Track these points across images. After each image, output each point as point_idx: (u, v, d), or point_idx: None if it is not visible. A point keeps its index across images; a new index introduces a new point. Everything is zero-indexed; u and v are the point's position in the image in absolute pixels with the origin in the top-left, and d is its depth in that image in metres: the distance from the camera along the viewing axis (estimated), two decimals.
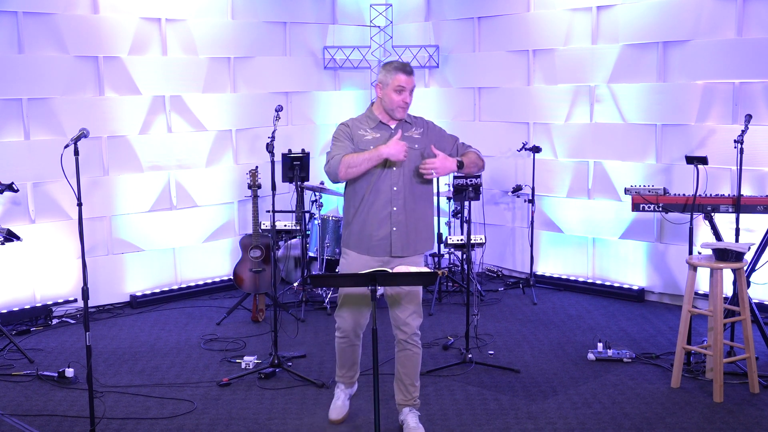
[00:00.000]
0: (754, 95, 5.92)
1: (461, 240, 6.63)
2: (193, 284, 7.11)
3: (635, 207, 5.62)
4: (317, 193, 6.88)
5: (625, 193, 5.76)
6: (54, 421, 4.40)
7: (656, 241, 6.61)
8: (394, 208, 4.04)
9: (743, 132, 5.12)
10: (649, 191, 5.57)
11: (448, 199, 7.15)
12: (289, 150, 6.44)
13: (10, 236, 5.41)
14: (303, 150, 6.41)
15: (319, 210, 6.79)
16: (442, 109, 7.94)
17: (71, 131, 6.08)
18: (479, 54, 7.57)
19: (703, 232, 5.97)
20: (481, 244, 6.59)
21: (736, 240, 5.20)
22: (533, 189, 6.94)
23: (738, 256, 4.57)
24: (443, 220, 7.45)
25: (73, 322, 6.28)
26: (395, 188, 4.04)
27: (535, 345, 5.61)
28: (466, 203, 5.63)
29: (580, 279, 7.07)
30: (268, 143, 5.02)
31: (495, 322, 6.17)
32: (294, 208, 6.64)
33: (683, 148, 6.25)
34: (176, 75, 6.86)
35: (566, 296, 6.90)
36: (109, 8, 6.45)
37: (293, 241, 7.18)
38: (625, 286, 6.79)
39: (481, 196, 6.35)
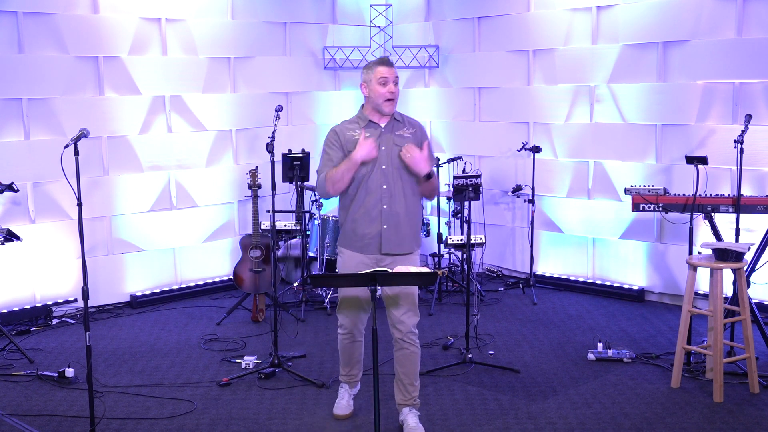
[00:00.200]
0: (754, 95, 5.92)
1: (461, 240, 6.63)
2: (193, 284, 7.11)
3: (635, 207, 5.62)
4: (317, 193, 6.87)
5: (625, 193, 5.76)
6: (54, 421, 4.40)
7: (656, 241, 6.61)
8: (384, 206, 4.09)
9: (743, 132, 5.12)
10: (649, 191, 5.57)
11: (448, 199, 7.15)
12: (289, 150, 6.44)
13: (10, 236, 5.41)
14: (303, 150, 6.42)
15: (319, 210, 6.79)
16: (442, 109, 7.95)
17: (71, 131, 6.08)
18: (479, 54, 7.57)
19: (703, 232, 5.97)
20: (481, 244, 6.59)
21: (736, 240, 5.21)
22: (533, 189, 6.94)
23: (738, 256, 4.57)
24: (443, 220, 7.45)
25: (73, 322, 6.28)
26: (385, 186, 4.09)
27: (535, 345, 5.61)
28: (466, 203, 5.63)
29: (580, 279, 7.07)
30: (268, 143, 5.03)
31: (495, 322, 6.17)
32: (294, 208, 6.65)
33: (683, 148, 6.25)
34: (176, 75, 6.86)
35: (566, 296, 6.90)
36: (109, 8, 6.45)
37: (293, 241, 7.18)
38: (625, 286, 6.79)
39: (481, 196, 6.35)
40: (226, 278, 7.23)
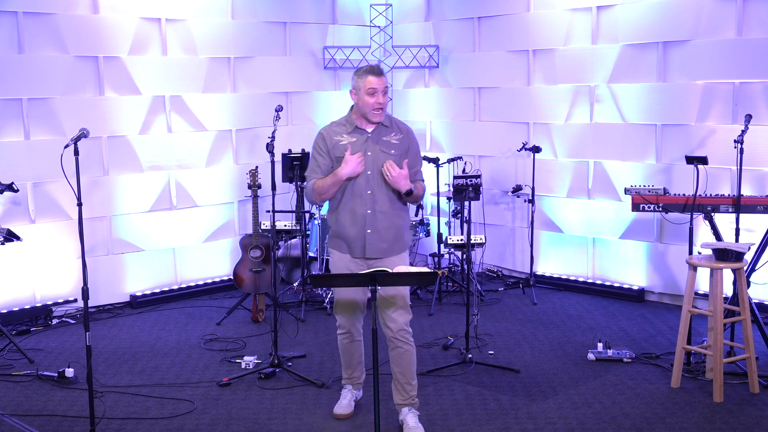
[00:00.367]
0: (754, 95, 5.92)
1: (461, 240, 6.63)
2: (193, 284, 7.11)
3: (635, 207, 5.62)
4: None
5: (625, 193, 5.76)
6: (54, 421, 4.40)
7: (656, 241, 6.60)
8: (369, 211, 4.15)
9: (743, 132, 5.12)
10: (649, 191, 5.57)
11: (448, 199, 7.15)
12: (289, 150, 6.45)
13: (10, 236, 5.41)
14: (303, 150, 6.42)
15: (319, 210, 6.79)
16: (442, 109, 7.95)
17: (71, 131, 6.08)
18: (479, 54, 7.57)
19: (703, 232, 5.97)
20: (481, 244, 6.59)
21: (736, 240, 5.20)
22: (533, 189, 6.94)
23: (738, 256, 4.57)
24: (443, 220, 7.45)
25: (73, 322, 6.28)
26: (369, 192, 4.15)
27: (535, 345, 5.61)
28: (466, 203, 5.63)
29: (580, 279, 7.07)
30: (268, 143, 5.03)
31: (495, 322, 6.17)
32: (294, 208, 6.65)
33: (683, 148, 6.25)
34: (176, 75, 6.86)
35: (566, 296, 6.90)
36: (109, 8, 6.45)
37: (293, 241, 7.18)
38: (625, 286, 6.79)
39: (481, 196, 6.35)
40: (226, 278, 7.23)
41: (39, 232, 6.25)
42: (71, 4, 6.28)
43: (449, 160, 7.24)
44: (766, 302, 5.90)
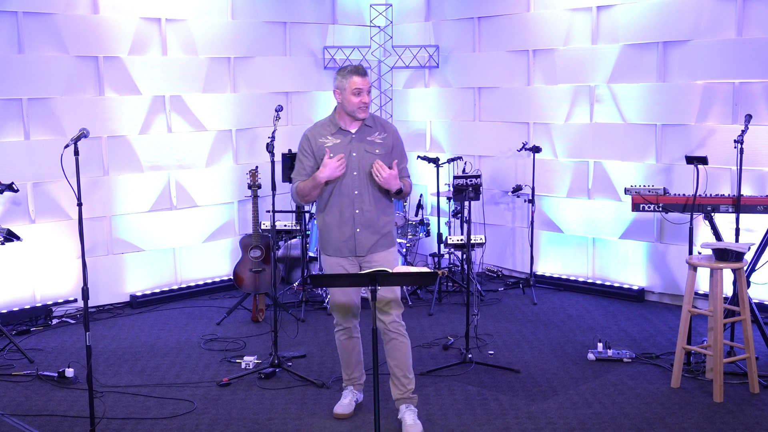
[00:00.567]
0: (754, 95, 5.92)
1: (461, 240, 6.63)
2: (193, 284, 7.11)
3: (635, 207, 5.62)
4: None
5: (625, 193, 5.76)
6: (54, 421, 4.40)
7: (656, 241, 6.60)
8: (357, 211, 4.21)
9: (743, 132, 5.12)
10: (649, 191, 5.57)
11: (448, 199, 7.15)
12: (289, 150, 6.45)
13: (10, 236, 5.41)
14: None
15: None
16: (442, 109, 7.95)
17: (71, 131, 6.08)
18: (479, 54, 7.57)
19: (703, 232, 5.97)
20: (481, 244, 6.59)
21: (736, 240, 5.20)
22: (533, 189, 6.94)
23: (738, 256, 4.57)
24: (443, 220, 7.45)
25: (73, 322, 6.28)
26: (356, 192, 4.21)
27: (535, 345, 5.61)
28: (466, 203, 5.63)
29: (580, 279, 7.07)
30: (268, 143, 5.03)
31: (495, 322, 6.17)
32: (294, 208, 6.65)
33: (683, 148, 6.25)
34: (176, 75, 6.86)
35: (566, 296, 6.90)
36: (109, 8, 6.45)
37: (293, 241, 7.18)
38: (625, 286, 6.79)
39: (481, 196, 6.35)
40: (226, 278, 7.23)
41: (39, 232, 6.25)
42: (71, 4, 6.28)
43: (449, 160, 7.24)
44: (766, 302, 5.90)
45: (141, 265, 6.83)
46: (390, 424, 4.29)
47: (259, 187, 6.25)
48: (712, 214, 5.34)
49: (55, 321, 6.27)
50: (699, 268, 4.83)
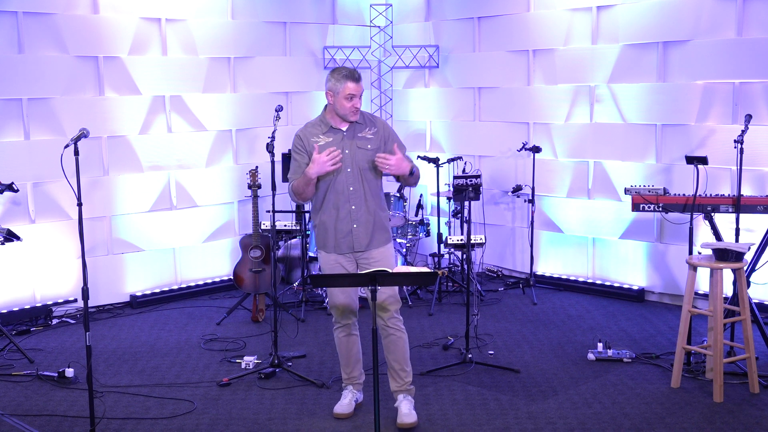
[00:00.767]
0: (754, 95, 5.92)
1: (461, 240, 6.63)
2: (193, 284, 7.11)
3: (635, 207, 5.62)
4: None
5: (625, 193, 5.76)
6: (54, 421, 4.40)
7: (656, 241, 6.60)
8: (353, 207, 4.25)
9: (743, 132, 5.12)
10: (649, 191, 5.57)
11: (448, 199, 7.15)
12: (289, 150, 6.41)
13: (10, 236, 5.41)
14: None
15: None
16: (442, 109, 7.94)
17: (71, 131, 6.08)
18: (479, 54, 7.57)
19: (703, 232, 5.97)
20: (481, 244, 6.59)
21: (736, 240, 5.20)
22: (533, 189, 6.94)
23: (738, 256, 4.57)
24: (443, 220, 7.45)
25: (73, 322, 6.28)
26: (351, 188, 4.25)
27: (535, 345, 5.61)
28: (466, 203, 5.63)
29: (580, 279, 7.07)
30: (268, 143, 5.03)
31: (495, 322, 6.17)
32: (294, 208, 6.65)
33: (683, 148, 6.25)
34: (176, 75, 6.86)
35: (566, 296, 6.90)
36: (109, 8, 6.45)
37: (293, 241, 7.18)
38: (625, 286, 6.79)
39: (481, 196, 6.35)
40: (226, 278, 7.23)
41: (39, 232, 6.25)
42: (71, 4, 6.28)
43: (449, 160, 7.24)
44: (766, 302, 5.90)
45: (141, 265, 6.83)
46: (390, 424, 4.29)
47: (259, 187, 6.25)
48: (712, 214, 5.34)
49: (55, 321, 6.27)
50: (699, 268, 4.83)
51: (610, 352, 5.24)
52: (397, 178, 4.37)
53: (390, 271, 3.77)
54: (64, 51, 6.28)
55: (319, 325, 6.15)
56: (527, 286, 7.04)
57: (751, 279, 5.16)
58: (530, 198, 6.95)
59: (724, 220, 5.59)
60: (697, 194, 5.22)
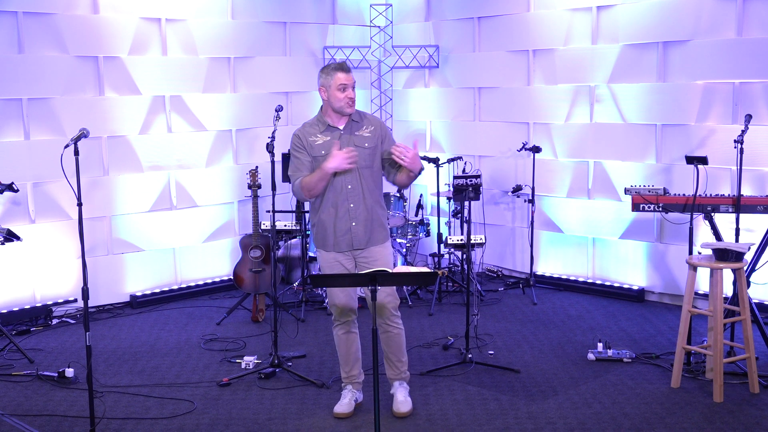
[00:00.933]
0: (754, 95, 5.92)
1: (461, 240, 6.63)
2: (193, 284, 7.11)
3: (635, 207, 5.62)
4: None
5: (625, 193, 5.76)
6: (54, 421, 4.40)
7: (656, 241, 6.60)
8: (351, 205, 4.27)
9: (743, 132, 5.12)
10: (649, 191, 5.57)
11: (448, 199, 7.15)
12: (289, 150, 6.42)
13: (10, 236, 5.41)
14: None
15: None
16: (442, 109, 7.94)
17: (71, 131, 6.08)
18: (479, 54, 7.57)
19: (703, 232, 5.97)
20: (481, 244, 6.59)
21: (736, 240, 5.20)
22: (533, 189, 6.94)
23: (738, 256, 4.57)
24: (443, 220, 7.45)
25: (73, 322, 6.28)
26: (350, 186, 4.27)
27: (535, 345, 5.61)
28: (466, 203, 5.63)
29: (580, 279, 7.07)
30: (268, 143, 5.03)
31: (495, 322, 6.17)
32: (294, 208, 6.65)
33: (683, 148, 6.25)
34: (176, 75, 6.86)
35: (566, 296, 6.90)
36: (109, 8, 6.45)
37: (293, 241, 7.18)
38: (625, 286, 6.79)
39: (481, 196, 6.36)
40: (226, 278, 7.23)
41: (39, 232, 6.25)
42: (71, 4, 6.28)
43: (449, 160, 7.24)
44: (766, 302, 5.90)
45: (141, 265, 6.83)
46: (390, 424, 4.29)
47: (259, 187, 6.25)
48: (712, 214, 5.34)
49: (55, 321, 6.27)
50: (699, 268, 4.83)
51: (610, 352, 5.24)
52: (393, 181, 4.39)
53: (390, 271, 3.77)
54: (64, 51, 6.28)
55: (319, 325, 6.15)
56: (527, 286, 7.04)
57: (751, 279, 5.16)
58: (530, 198, 6.95)
59: (724, 220, 5.59)
60: (697, 194, 5.22)
